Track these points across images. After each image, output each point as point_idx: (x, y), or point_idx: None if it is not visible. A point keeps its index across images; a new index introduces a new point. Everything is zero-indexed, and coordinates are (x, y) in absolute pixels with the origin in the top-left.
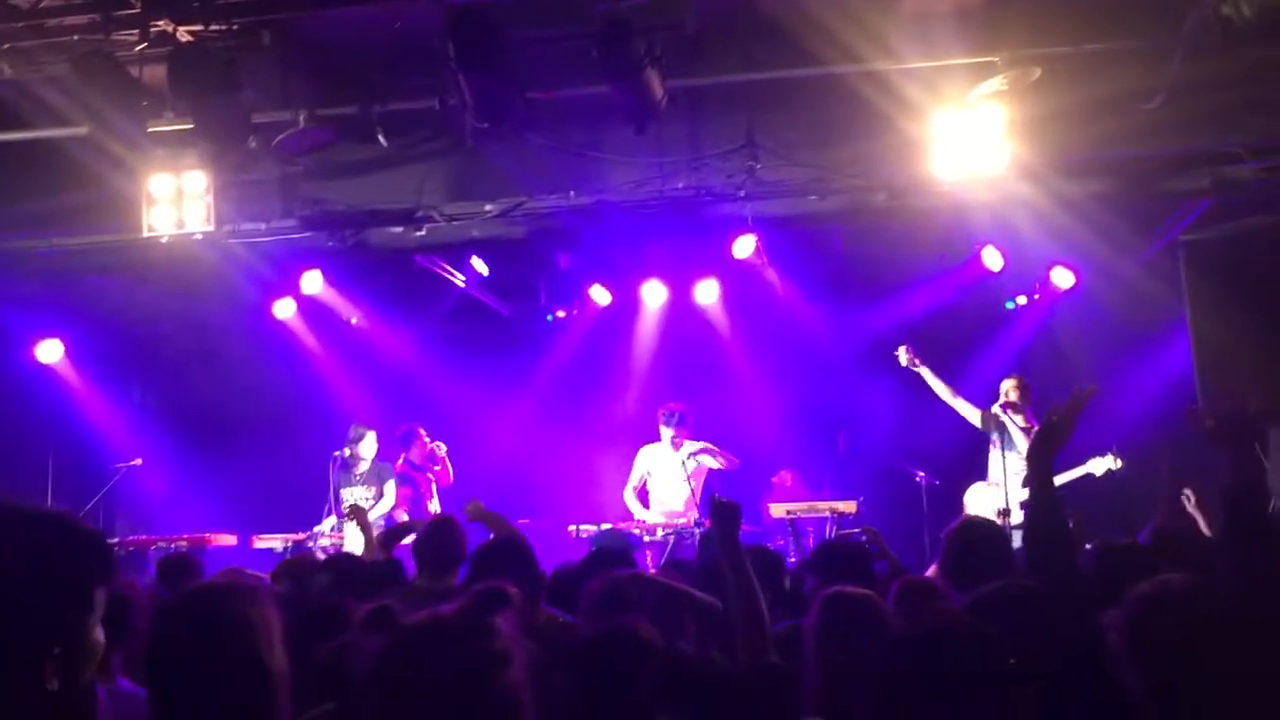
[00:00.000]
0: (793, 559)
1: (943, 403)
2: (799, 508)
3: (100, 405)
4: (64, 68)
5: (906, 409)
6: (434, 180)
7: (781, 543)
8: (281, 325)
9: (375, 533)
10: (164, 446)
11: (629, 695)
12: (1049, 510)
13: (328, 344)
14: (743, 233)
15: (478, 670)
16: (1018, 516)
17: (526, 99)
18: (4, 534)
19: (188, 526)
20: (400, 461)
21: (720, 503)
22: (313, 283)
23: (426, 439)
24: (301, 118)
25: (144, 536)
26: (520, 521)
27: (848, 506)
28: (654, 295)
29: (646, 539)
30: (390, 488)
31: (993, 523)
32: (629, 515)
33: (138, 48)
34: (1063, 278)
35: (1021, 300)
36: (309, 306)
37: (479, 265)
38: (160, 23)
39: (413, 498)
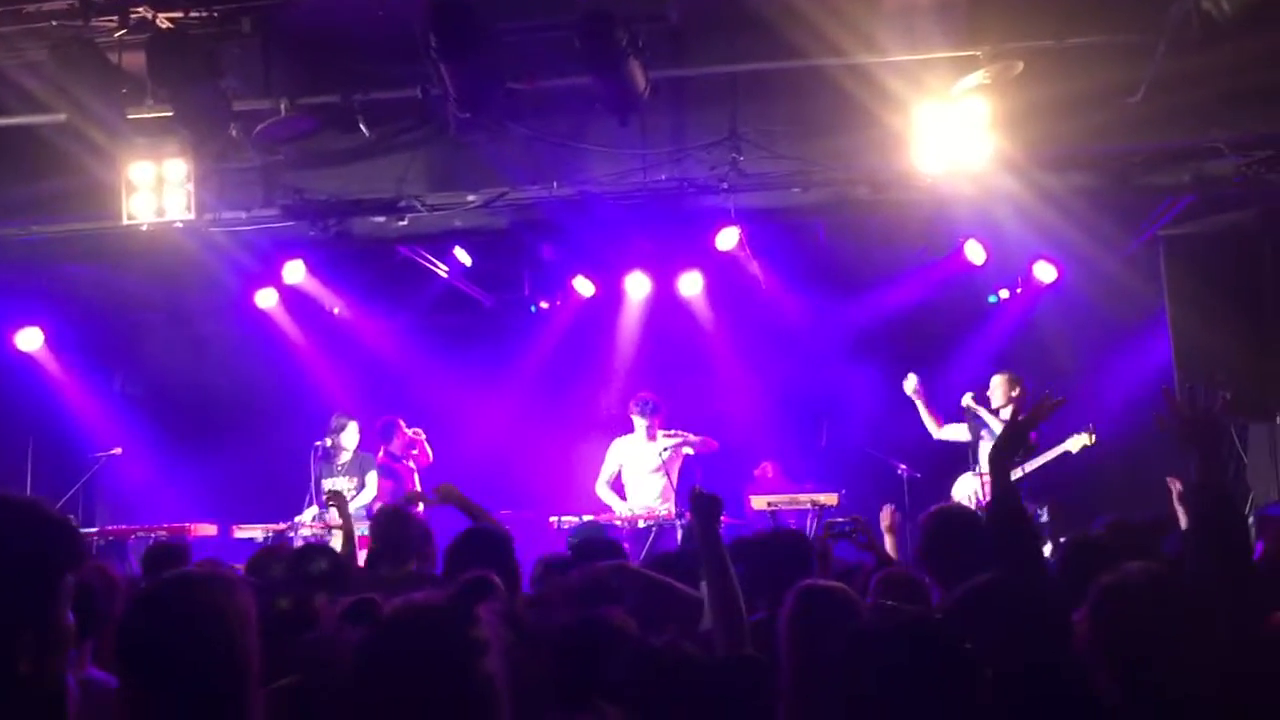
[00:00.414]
0: None
1: (924, 394)
2: (780, 500)
3: (80, 394)
4: (43, 54)
5: (888, 402)
6: (416, 170)
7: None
8: (263, 314)
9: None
10: (144, 436)
11: (600, 684)
12: (1012, 511)
13: (310, 334)
14: (726, 225)
15: (460, 659)
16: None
17: (509, 89)
18: None
19: (168, 516)
20: (381, 454)
21: (701, 495)
22: (295, 272)
23: (406, 429)
24: (283, 106)
25: (123, 526)
26: (502, 513)
27: (829, 499)
28: (637, 287)
29: (628, 531)
30: (372, 478)
31: (966, 510)
32: (605, 507)
33: (117, 34)
34: (1045, 271)
35: (1004, 294)
36: (291, 296)
37: (462, 256)
38: (140, 9)
39: (394, 490)
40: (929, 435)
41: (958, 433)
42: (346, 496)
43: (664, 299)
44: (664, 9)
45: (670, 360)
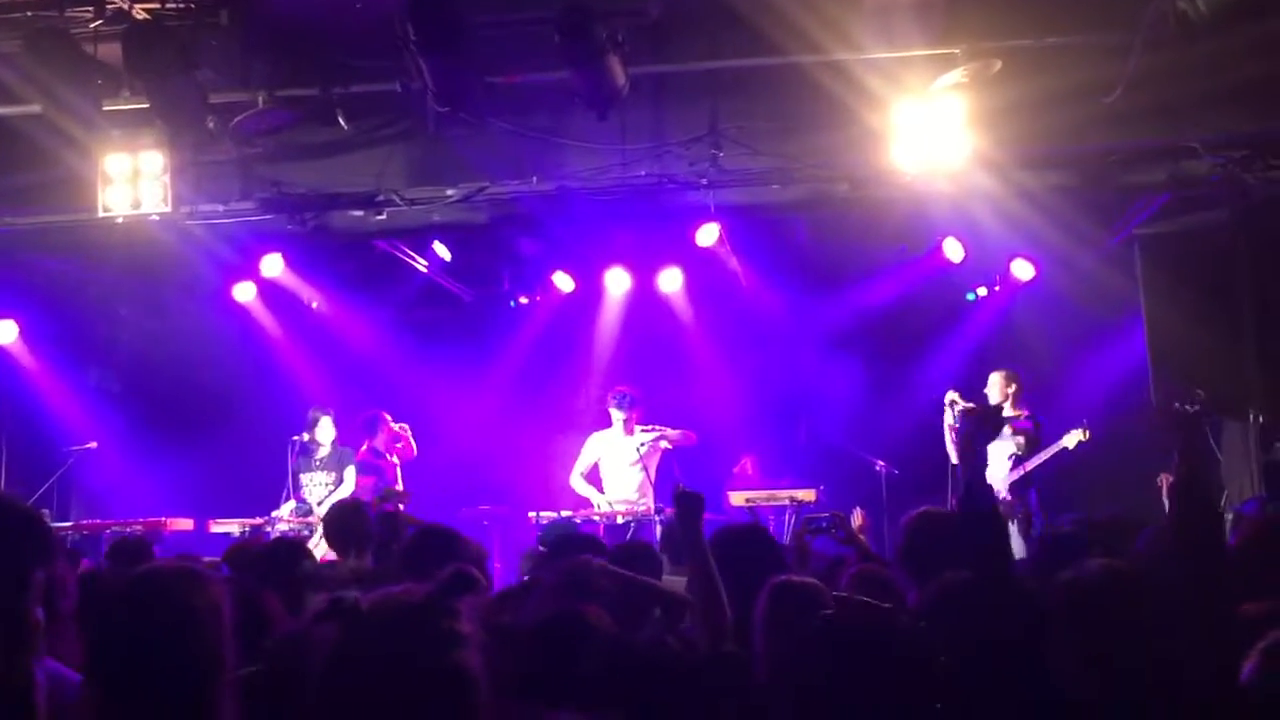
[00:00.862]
0: None
1: (903, 394)
2: (759, 496)
3: (55, 387)
4: (16, 44)
5: (867, 398)
6: (395, 164)
7: None
8: (241, 308)
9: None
10: (120, 430)
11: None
12: (981, 498)
13: (288, 328)
14: (706, 221)
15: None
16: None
17: (488, 83)
18: None
19: (143, 511)
20: (364, 448)
21: (683, 493)
22: (272, 266)
23: (391, 424)
24: (260, 98)
25: (98, 521)
26: (480, 507)
27: (807, 495)
28: (617, 282)
29: (606, 526)
30: (350, 473)
31: (948, 513)
32: (583, 502)
33: (92, 24)
34: (1023, 269)
35: (982, 291)
36: (269, 290)
37: (441, 250)
38: (116, 0)
39: (376, 485)
40: (906, 431)
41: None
42: (324, 491)
43: (644, 295)
44: (644, 4)
45: (650, 356)
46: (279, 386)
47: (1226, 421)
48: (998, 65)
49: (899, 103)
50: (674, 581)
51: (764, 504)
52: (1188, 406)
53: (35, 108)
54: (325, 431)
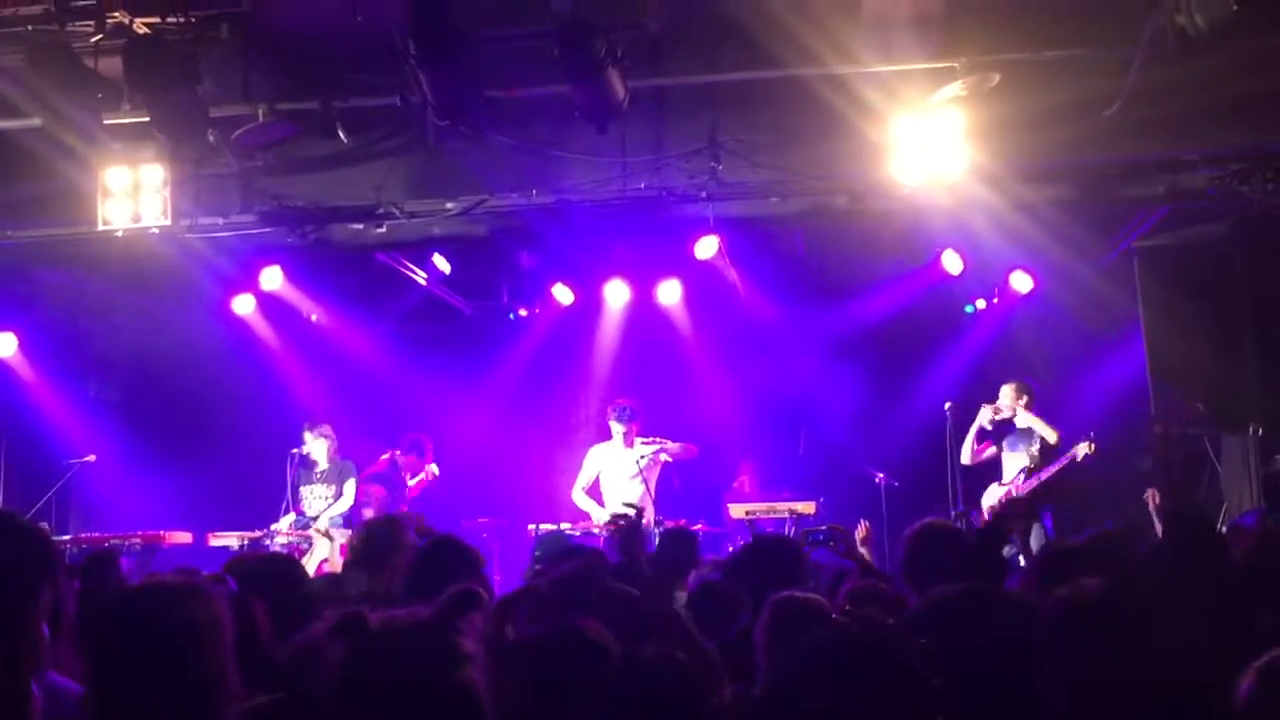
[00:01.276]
0: None
1: (902, 406)
2: (758, 508)
3: (54, 400)
4: (18, 58)
5: (866, 411)
6: (395, 177)
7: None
8: (240, 321)
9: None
10: (119, 443)
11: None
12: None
13: (287, 341)
14: (705, 233)
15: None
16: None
17: (488, 97)
18: None
19: (142, 523)
20: (387, 456)
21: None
22: (272, 279)
23: (431, 465)
24: (261, 112)
25: (97, 534)
26: (480, 519)
27: (807, 507)
28: (616, 295)
29: (604, 539)
30: (350, 487)
31: (952, 526)
32: (583, 516)
33: (93, 39)
34: (1021, 282)
35: (980, 304)
36: (268, 303)
37: (440, 263)
38: (117, 14)
39: (386, 497)
40: (906, 443)
41: (988, 452)
42: (323, 504)
43: (643, 307)
44: (644, 18)
45: (649, 369)
46: (278, 399)
47: (1226, 434)
48: (996, 79)
49: (898, 116)
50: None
51: (763, 516)
52: (1179, 425)
53: (36, 121)
54: (317, 449)
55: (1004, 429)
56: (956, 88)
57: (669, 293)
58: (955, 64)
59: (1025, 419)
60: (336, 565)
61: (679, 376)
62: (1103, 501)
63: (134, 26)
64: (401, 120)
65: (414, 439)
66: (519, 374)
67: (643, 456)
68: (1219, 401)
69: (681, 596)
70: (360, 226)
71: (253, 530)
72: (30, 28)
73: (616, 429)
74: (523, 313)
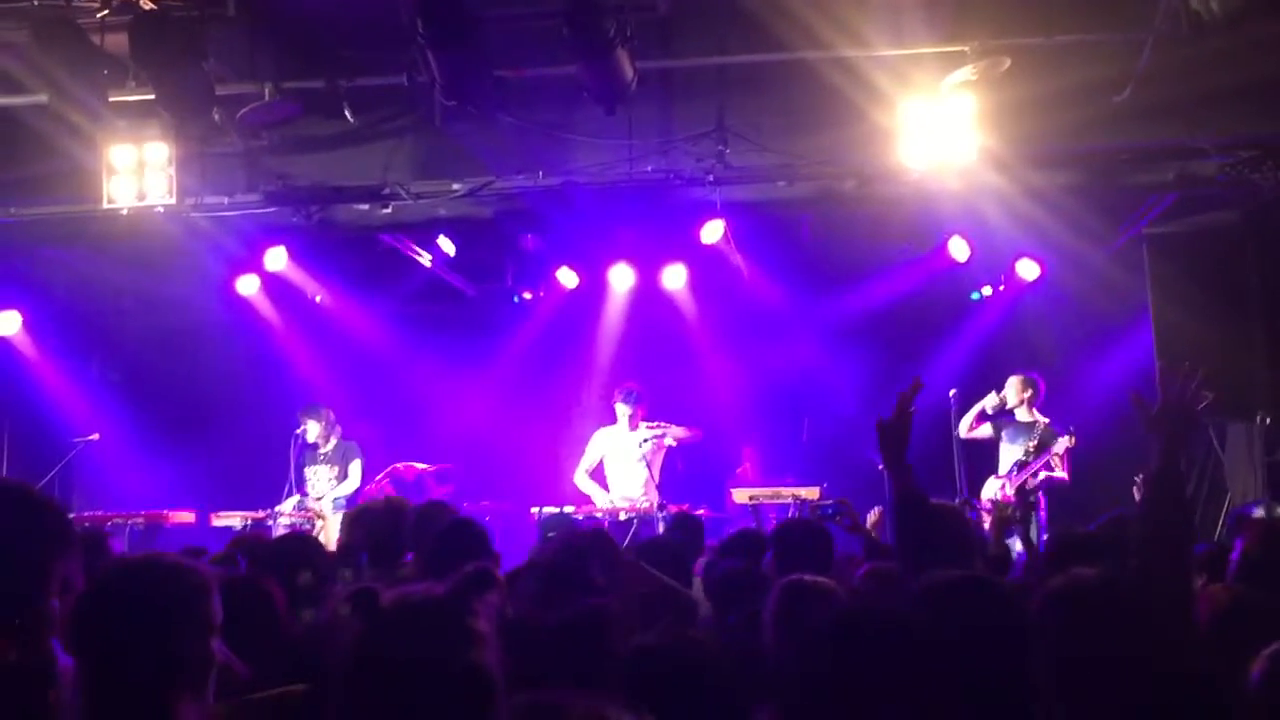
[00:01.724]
0: None
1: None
2: (762, 493)
3: (58, 379)
4: (23, 34)
5: (871, 397)
6: (401, 158)
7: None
8: (244, 301)
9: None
10: (123, 421)
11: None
12: (916, 501)
13: (291, 321)
14: (711, 217)
15: (458, 653)
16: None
17: (495, 77)
18: None
19: (145, 502)
20: (414, 470)
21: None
22: (276, 259)
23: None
24: (267, 91)
25: (100, 512)
26: (483, 503)
27: (810, 492)
28: (621, 279)
29: (609, 522)
30: (355, 468)
31: (953, 509)
32: (585, 499)
33: (99, 14)
34: (1028, 269)
35: (987, 291)
36: (273, 283)
37: (445, 245)
38: None
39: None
40: (911, 432)
41: (984, 431)
42: (327, 486)
43: (648, 291)
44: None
45: (653, 353)
46: (282, 380)
47: (1231, 423)
48: (1007, 63)
49: (907, 100)
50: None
51: (768, 501)
52: (1188, 387)
53: (41, 98)
54: (313, 431)
55: (1005, 418)
56: (967, 72)
57: (674, 277)
58: (965, 48)
59: (1026, 415)
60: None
61: (683, 361)
62: (1108, 490)
63: (140, 3)
64: (408, 100)
65: (441, 471)
66: (522, 357)
67: (646, 440)
68: (1227, 390)
69: (695, 582)
70: (365, 207)
71: (256, 510)
72: (36, 3)
73: (622, 411)
74: (527, 296)
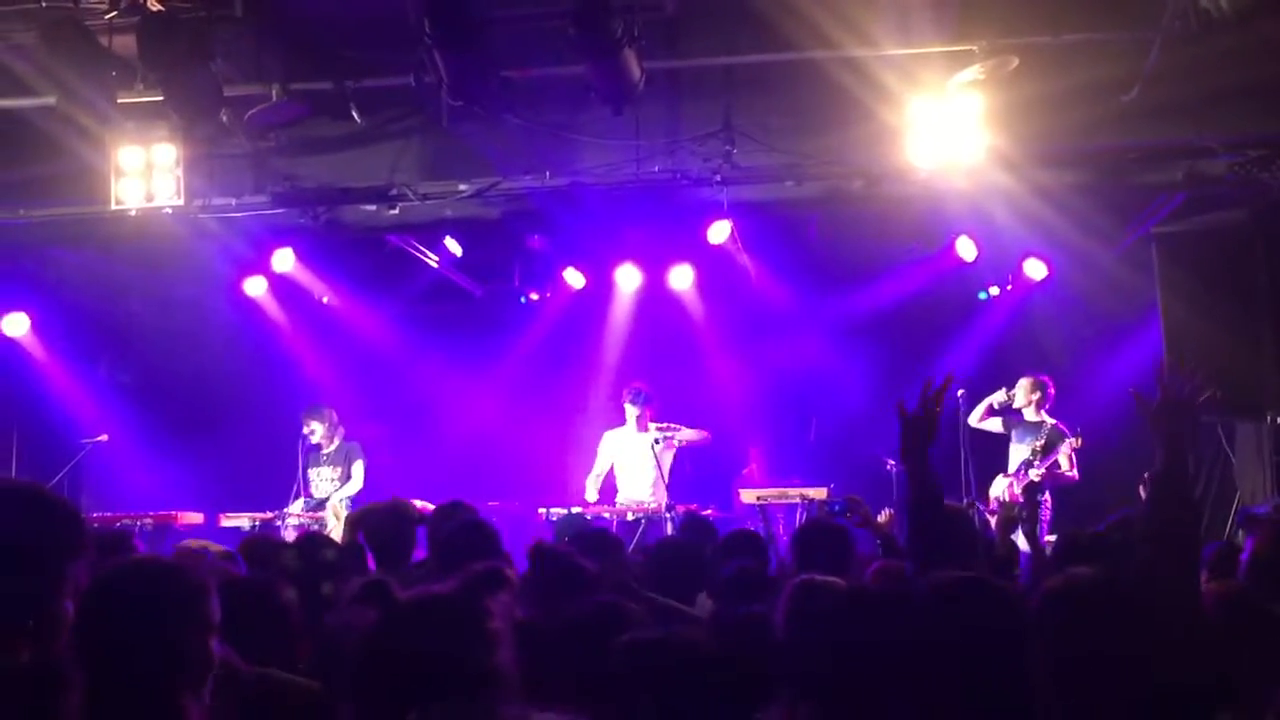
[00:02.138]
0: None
1: (914, 391)
2: (770, 494)
3: (66, 380)
4: (31, 36)
5: (878, 397)
6: (408, 158)
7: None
8: (252, 302)
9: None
10: (131, 423)
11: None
12: (931, 499)
13: (299, 322)
14: (718, 218)
15: (469, 650)
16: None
17: (502, 78)
18: None
19: (154, 504)
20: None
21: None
22: (284, 260)
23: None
24: (274, 92)
25: (109, 514)
26: (490, 504)
27: (818, 493)
28: (628, 279)
29: (616, 523)
30: (358, 469)
31: (961, 510)
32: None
33: (107, 16)
34: (1035, 269)
35: (994, 290)
36: (280, 284)
37: (452, 245)
38: None
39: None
40: None
41: (993, 424)
42: (331, 487)
43: (655, 292)
44: None
45: (660, 353)
46: (290, 380)
47: (1240, 422)
48: (1015, 62)
49: (915, 99)
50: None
51: (775, 501)
52: (1189, 385)
53: (49, 100)
54: (317, 432)
55: (1014, 416)
56: (974, 71)
57: (681, 278)
58: (973, 47)
59: (1034, 415)
60: None
61: (690, 362)
62: (1122, 487)
63: (148, 4)
64: (415, 101)
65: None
66: (529, 358)
67: (656, 440)
68: (1236, 389)
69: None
70: (373, 208)
71: (264, 511)
72: (43, 4)
73: (631, 412)
74: (534, 296)
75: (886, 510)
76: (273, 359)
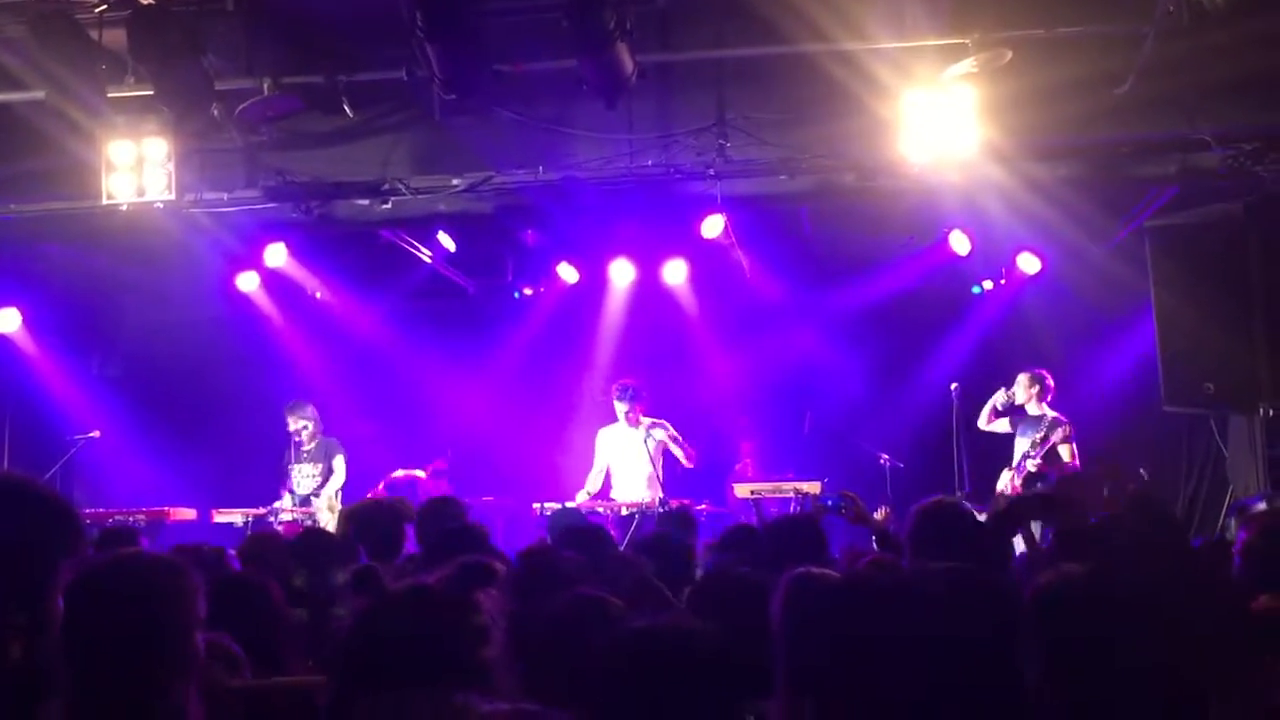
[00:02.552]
0: None
1: (906, 386)
2: (764, 488)
3: (58, 376)
4: (21, 30)
5: (872, 391)
6: (400, 153)
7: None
8: (244, 297)
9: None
10: (123, 419)
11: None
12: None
13: (291, 317)
14: (712, 211)
15: (453, 640)
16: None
17: (495, 71)
18: None
19: (146, 499)
20: (400, 473)
21: None
22: (276, 255)
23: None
24: (266, 86)
25: (101, 510)
26: (484, 499)
27: (811, 487)
28: (621, 274)
29: (611, 517)
30: (339, 463)
31: (959, 504)
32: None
33: (97, 9)
34: (1029, 263)
35: (988, 285)
36: (272, 279)
37: (445, 240)
38: None
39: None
40: (911, 425)
41: (1001, 425)
42: (313, 484)
43: (648, 286)
44: None
45: (654, 348)
46: (281, 376)
47: (1234, 415)
48: (1008, 55)
49: (908, 93)
50: None
51: (769, 496)
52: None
53: (39, 94)
54: (308, 428)
55: (1018, 413)
56: (968, 64)
57: (674, 272)
58: (966, 40)
59: (1035, 409)
60: None
61: (684, 356)
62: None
63: None
64: (407, 95)
65: (438, 470)
66: (523, 353)
67: (650, 437)
68: (1229, 382)
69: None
70: (365, 202)
71: (257, 507)
72: None
73: (620, 408)
74: (527, 291)
75: (883, 508)
76: (265, 354)
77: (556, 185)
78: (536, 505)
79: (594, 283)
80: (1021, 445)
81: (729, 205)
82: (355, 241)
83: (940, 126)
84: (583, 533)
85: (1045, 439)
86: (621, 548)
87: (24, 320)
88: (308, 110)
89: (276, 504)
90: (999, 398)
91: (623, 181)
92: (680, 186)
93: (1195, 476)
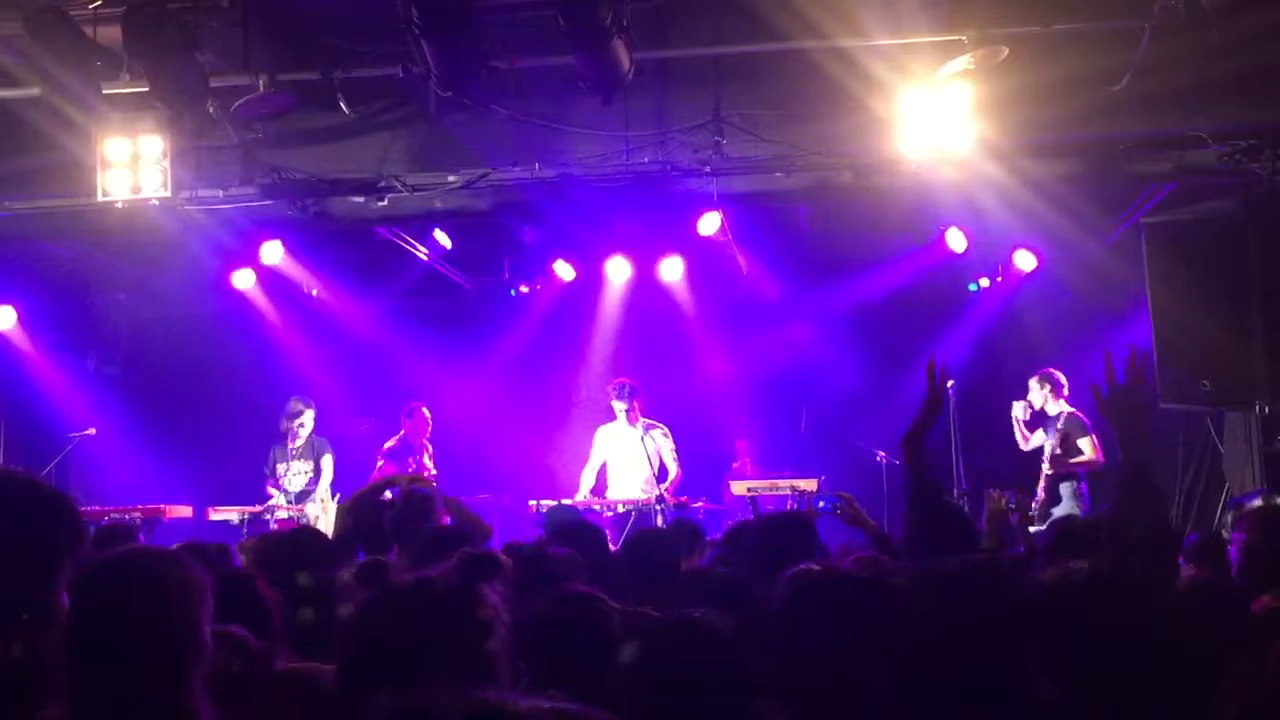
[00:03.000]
0: None
1: (904, 383)
2: (761, 485)
3: (53, 373)
4: (15, 26)
5: (868, 389)
6: (397, 150)
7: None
8: (240, 295)
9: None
10: (119, 416)
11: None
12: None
13: (287, 315)
14: (708, 209)
15: (460, 634)
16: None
17: (491, 68)
18: None
19: (142, 497)
20: (395, 440)
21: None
22: (272, 253)
23: (425, 413)
24: (262, 82)
25: (97, 507)
26: (480, 496)
27: (809, 484)
28: (618, 271)
29: (608, 514)
30: (327, 462)
31: (953, 502)
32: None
33: (92, 6)
34: (1025, 260)
35: (984, 282)
36: (268, 277)
37: (441, 238)
38: None
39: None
40: (907, 422)
41: (1038, 436)
42: (304, 481)
43: (645, 284)
44: None
45: (650, 346)
46: (278, 374)
47: (1229, 412)
48: (1004, 52)
49: (904, 90)
50: None
51: (766, 493)
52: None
53: (34, 91)
54: (308, 423)
55: (1042, 415)
56: (964, 61)
57: (671, 269)
58: (963, 37)
59: (1053, 408)
60: None
61: (680, 354)
62: (1108, 480)
63: None
64: (403, 92)
65: (407, 409)
66: (519, 350)
67: (648, 437)
68: (1225, 378)
69: None
70: (361, 200)
71: (253, 505)
72: None
73: (618, 407)
74: (524, 289)
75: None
76: (261, 352)
77: (553, 182)
78: (532, 502)
79: (590, 280)
80: (1046, 446)
81: (725, 202)
82: (351, 239)
83: (937, 124)
84: (574, 530)
85: (1064, 436)
86: (616, 547)
87: (19, 318)
88: (304, 107)
89: (272, 501)
90: (1018, 411)
91: (619, 179)
92: (677, 184)
93: (1191, 473)
